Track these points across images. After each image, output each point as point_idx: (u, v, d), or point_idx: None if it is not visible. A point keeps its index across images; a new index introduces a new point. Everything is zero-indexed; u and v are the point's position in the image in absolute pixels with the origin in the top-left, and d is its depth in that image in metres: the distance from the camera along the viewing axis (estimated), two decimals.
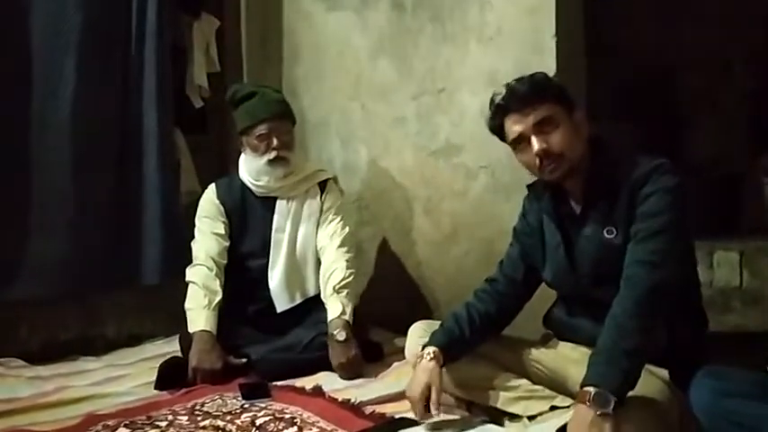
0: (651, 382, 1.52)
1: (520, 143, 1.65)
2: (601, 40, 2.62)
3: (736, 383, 1.33)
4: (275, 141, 2.34)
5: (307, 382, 2.04)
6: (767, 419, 1.26)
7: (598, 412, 1.36)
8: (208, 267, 2.32)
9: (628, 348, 1.43)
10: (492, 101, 1.69)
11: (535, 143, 1.60)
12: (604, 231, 1.62)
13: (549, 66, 2.20)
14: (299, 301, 2.40)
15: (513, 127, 1.64)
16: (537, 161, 1.61)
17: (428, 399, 1.68)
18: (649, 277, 1.49)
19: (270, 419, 1.77)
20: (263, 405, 1.89)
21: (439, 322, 1.87)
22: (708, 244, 2.27)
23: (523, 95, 1.62)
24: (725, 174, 2.89)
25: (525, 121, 1.61)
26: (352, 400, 1.88)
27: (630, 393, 1.43)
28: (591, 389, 1.39)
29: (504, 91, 1.67)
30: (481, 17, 2.40)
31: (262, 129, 2.34)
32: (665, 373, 1.57)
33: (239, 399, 1.94)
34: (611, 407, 1.36)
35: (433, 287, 2.66)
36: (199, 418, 1.78)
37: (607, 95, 2.59)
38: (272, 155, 2.34)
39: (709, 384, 1.33)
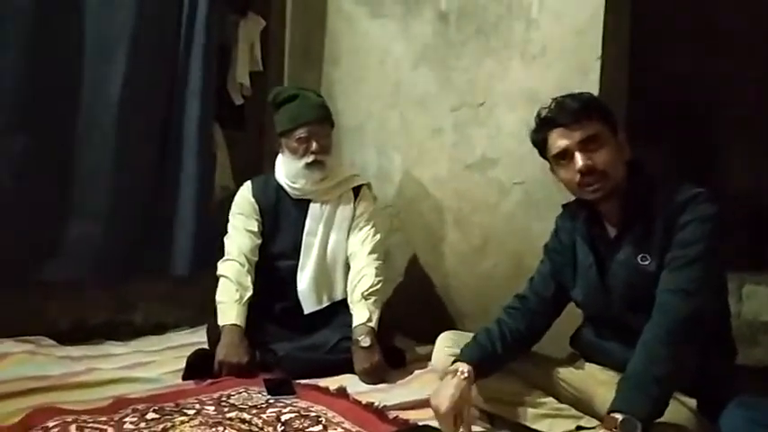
0: (679, 410, 1.53)
1: (563, 158, 1.65)
2: (644, 65, 2.62)
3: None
4: (314, 145, 2.37)
5: (331, 383, 2.06)
6: None
7: None
8: (240, 263, 2.36)
9: (658, 375, 1.43)
10: (539, 114, 1.70)
11: (579, 159, 1.61)
12: (638, 258, 1.63)
13: (591, 87, 2.20)
14: (326, 303, 2.43)
15: (559, 141, 1.65)
16: (578, 178, 1.62)
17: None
18: (684, 305, 1.50)
19: (295, 416, 1.79)
20: (288, 402, 1.91)
21: (467, 333, 1.88)
22: (738, 276, 2.26)
23: (573, 111, 1.63)
24: (758, 204, 2.87)
25: (572, 136, 1.62)
26: (376, 404, 1.89)
27: (657, 420, 1.44)
28: (618, 415, 1.39)
29: (550, 105, 1.68)
30: (527, 34, 2.42)
31: (302, 132, 2.37)
32: (693, 402, 1.58)
33: (264, 393, 1.97)
34: None
35: (459, 299, 2.68)
36: (225, 410, 1.81)
37: (647, 120, 2.59)
38: (311, 158, 2.37)
39: (743, 414, 1.34)
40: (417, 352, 2.47)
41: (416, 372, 2.25)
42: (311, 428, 1.72)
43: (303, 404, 1.89)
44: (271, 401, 1.91)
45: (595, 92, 2.20)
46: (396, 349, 2.38)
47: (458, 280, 2.69)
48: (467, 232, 2.66)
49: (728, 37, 3.09)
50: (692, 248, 1.54)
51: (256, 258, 2.42)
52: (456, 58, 2.66)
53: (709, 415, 1.49)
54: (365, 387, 2.10)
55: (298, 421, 1.76)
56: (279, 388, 1.99)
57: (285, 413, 1.81)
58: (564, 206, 1.86)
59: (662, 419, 1.44)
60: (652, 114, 2.80)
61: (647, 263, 1.62)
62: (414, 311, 2.73)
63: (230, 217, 2.48)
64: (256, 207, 2.46)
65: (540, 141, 1.72)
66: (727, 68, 3.05)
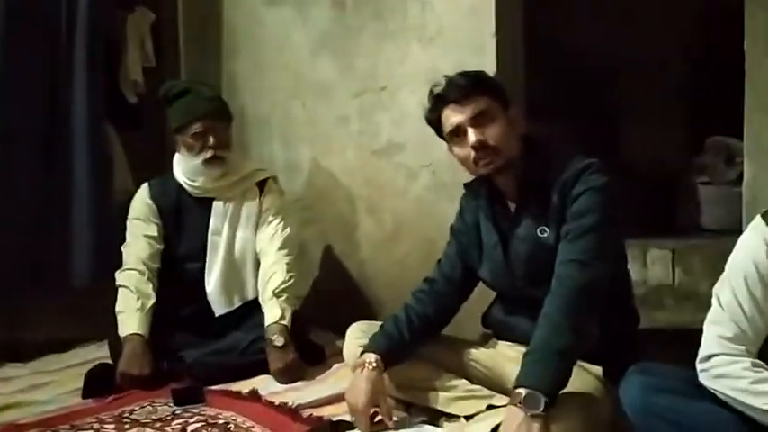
0: (584, 378, 1.54)
1: (457, 135, 1.65)
2: (540, 41, 2.64)
3: (665, 380, 1.34)
4: (211, 140, 2.27)
5: (243, 386, 2.00)
6: (695, 416, 1.28)
7: (529, 413, 1.36)
8: (139, 271, 2.25)
9: (560, 347, 1.44)
10: (431, 92, 1.69)
11: (471, 135, 1.61)
12: (538, 231, 1.64)
13: (488, 65, 2.21)
14: (237, 305, 2.34)
15: (452, 118, 1.64)
16: (472, 154, 1.62)
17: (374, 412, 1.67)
18: (580, 275, 1.50)
19: (202, 426, 1.72)
20: (195, 410, 1.84)
21: (377, 323, 1.85)
22: (642, 242, 2.31)
23: (463, 87, 1.63)
24: (660, 174, 2.96)
25: (463, 111, 1.62)
26: (290, 404, 1.84)
27: (564, 390, 1.44)
28: (522, 390, 1.39)
29: (443, 83, 1.67)
30: (422, 17, 2.40)
31: (197, 127, 2.27)
32: (598, 369, 1.59)
33: (171, 404, 1.88)
34: (542, 407, 1.37)
35: (376, 287, 2.64)
36: (126, 426, 1.72)
37: (546, 95, 2.61)
38: (209, 154, 2.28)
39: (639, 381, 1.34)
40: (338, 345, 2.41)
41: (335, 366, 2.20)
42: None
43: (212, 412, 1.82)
44: (177, 412, 1.83)
45: (492, 69, 2.20)
46: (313, 345, 2.32)
47: (374, 268, 2.66)
48: (379, 219, 2.63)
49: (625, 10, 3.16)
50: (586, 219, 1.55)
51: (157, 265, 2.31)
52: (355, 43, 2.62)
53: (614, 380, 1.50)
54: (280, 387, 2.03)
55: (205, 430, 1.69)
56: (187, 397, 1.91)
57: (192, 423, 1.74)
58: (466, 185, 1.85)
59: (568, 389, 1.45)
60: (552, 88, 2.84)
61: (545, 235, 1.63)
62: (332, 303, 2.68)
63: (127, 223, 2.36)
64: (155, 210, 2.35)
65: (434, 120, 1.71)
66: (624, 41, 3.11)
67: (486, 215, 1.74)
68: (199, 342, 2.22)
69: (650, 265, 2.29)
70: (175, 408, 1.86)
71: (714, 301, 1.37)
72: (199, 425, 1.72)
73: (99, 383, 2.01)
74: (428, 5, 2.39)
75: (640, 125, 3.15)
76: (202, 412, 1.82)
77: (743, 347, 1.30)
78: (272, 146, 2.94)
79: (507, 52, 2.27)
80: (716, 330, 1.33)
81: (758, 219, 1.35)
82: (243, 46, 3.02)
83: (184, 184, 2.35)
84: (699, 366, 1.33)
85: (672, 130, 3.20)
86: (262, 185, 2.43)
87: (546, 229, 1.62)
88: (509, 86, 2.23)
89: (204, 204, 2.36)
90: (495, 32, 2.22)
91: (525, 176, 1.66)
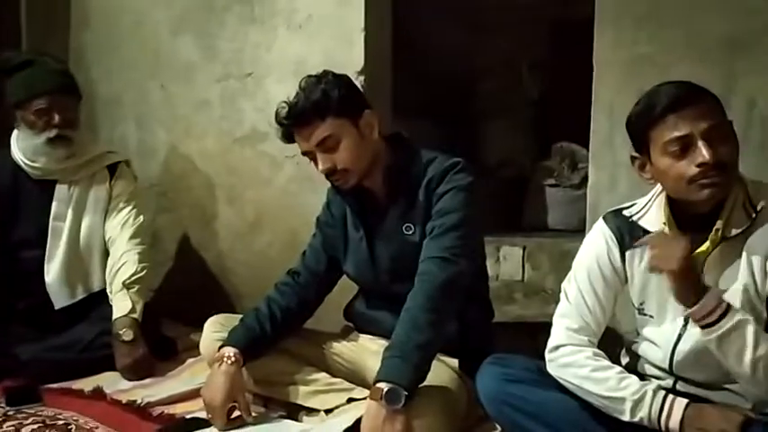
0: (442, 371, 1.58)
1: (310, 158, 1.65)
2: (408, 39, 2.69)
3: (517, 370, 1.41)
4: (57, 118, 2.10)
5: (86, 384, 1.87)
6: (544, 403, 1.36)
7: (391, 409, 1.38)
8: None
9: (420, 342, 1.46)
10: (277, 114, 1.65)
11: (320, 163, 1.61)
12: (403, 228, 1.66)
13: (356, 59, 2.22)
14: (81, 296, 2.19)
15: (300, 145, 1.64)
16: (324, 174, 1.63)
17: (231, 407, 1.63)
18: (442, 273, 1.54)
19: (39, 427, 1.58)
20: (31, 411, 1.70)
21: (236, 316, 1.80)
22: (495, 240, 2.42)
23: (303, 115, 1.59)
24: (511, 174, 3.12)
25: (308, 140, 1.61)
26: (138, 402, 1.75)
27: (422, 384, 1.47)
28: (383, 385, 1.41)
29: (284, 107, 1.62)
30: (291, 3, 2.35)
31: (41, 103, 2.09)
32: (455, 362, 1.64)
33: (3, 405, 1.73)
34: (402, 402, 1.39)
35: (236, 279, 2.58)
36: None
37: (411, 93, 2.66)
38: (53, 133, 2.10)
39: (493, 371, 1.41)
40: (192, 339, 2.31)
41: (189, 360, 2.12)
42: None
43: (50, 412, 1.69)
44: (10, 413, 1.68)
45: (360, 63, 2.21)
46: (164, 339, 2.22)
47: (233, 259, 2.58)
48: (240, 209, 2.55)
49: (483, 17, 3.29)
50: (450, 217, 1.58)
51: None
52: (219, 25, 2.51)
53: (469, 373, 1.56)
54: (128, 384, 1.93)
55: None
56: (21, 397, 1.76)
57: (27, 425, 1.61)
58: None
59: (426, 381, 1.48)
60: (415, 88, 2.90)
61: (411, 233, 1.65)
62: (189, 296, 2.57)
63: None
64: None
65: (288, 139, 1.67)
66: (482, 47, 3.25)
67: (352, 209, 1.74)
68: (36, 337, 2.05)
69: (503, 262, 2.41)
70: (8, 408, 1.71)
71: (562, 295, 1.46)
72: (35, 426, 1.59)
73: None
74: None
75: (495, 127, 3.30)
76: (39, 413, 1.68)
77: (586, 338, 1.40)
78: (125, 127, 2.77)
79: (375, 48, 2.28)
80: (563, 323, 1.42)
81: (601, 220, 1.46)
82: (94, 17, 2.81)
83: (23, 164, 2.16)
84: (547, 356, 1.41)
85: (523, 134, 3.38)
86: (113, 169, 2.28)
87: (411, 226, 1.64)
88: (376, 82, 2.26)
89: (45, 187, 2.18)
90: (363, 26, 2.22)
91: (391, 174, 1.67)
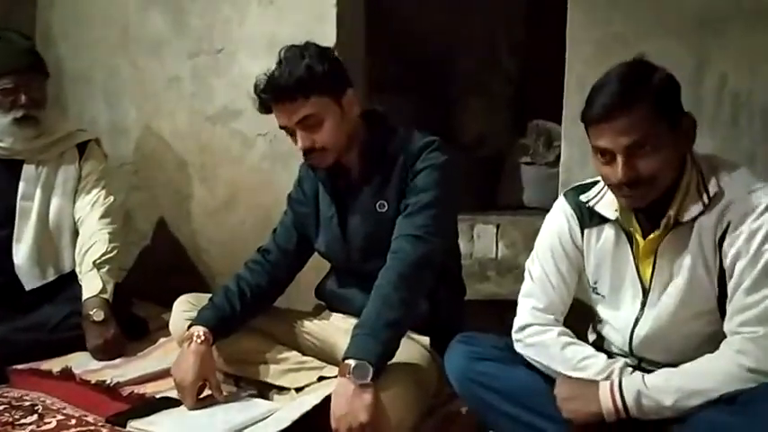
0: (412, 348, 1.58)
1: (287, 132, 1.61)
2: (382, 16, 2.66)
3: (486, 349, 1.42)
4: (23, 98, 2.06)
5: (55, 365, 1.85)
6: (512, 381, 1.37)
7: (358, 384, 1.38)
8: None
9: (390, 319, 1.46)
10: (256, 86, 1.59)
11: (300, 140, 1.57)
12: (377, 205, 1.64)
13: (329, 35, 2.18)
14: (52, 277, 2.16)
15: (279, 119, 1.59)
16: (302, 152, 1.60)
17: (201, 386, 1.62)
18: (415, 251, 1.53)
19: (5, 408, 1.56)
20: None
21: (206, 295, 1.79)
22: (470, 218, 2.42)
23: (287, 90, 1.53)
24: (487, 153, 3.11)
25: (289, 117, 1.56)
26: (108, 382, 1.73)
27: (393, 360, 1.47)
28: (351, 361, 1.40)
29: (265, 80, 1.56)
30: None
31: (6, 82, 2.05)
32: (426, 339, 1.64)
33: None
34: (370, 377, 1.39)
35: (209, 258, 2.55)
36: None
37: (386, 70, 2.64)
38: (19, 113, 2.07)
39: (462, 350, 1.41)
40: (164, 319, 2.29)
41: (161, 340, 2.11)
42: (24, 420, 1.51)
43: (16, 393, 1.67)
44: None
45: (332, 39, 2.18)
46: (135, 319, 2.20)
47: (206, 238, 2.56)
48: (213, 187, 2.53)
49: None
50: (424, 195, 1.57)
51: None
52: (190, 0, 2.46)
53: (440, 350, 1.56)
54: (97, 364, 1.91)
55: (7, 414, 1.54)
56: None
57: None
58: None
59: (396, 359, 1.48)
60: (389, 65, 2.88)
61: (384, 210, 1.64)
62: (160, 275, 2.56)
63: None
64: None
65: (265, 112, 1.63)
66: (458, 25, 3.22)
67: (325, 186, 1.72)
68: (5, 317, 2.01)
69: (476, 240, 2.41)
70: None
71: (527, 275, 1.47)
72: (0, 408, 1.57)
73: None
74: None
75: (471, 105, 3.28)
76: (5, 394, 1.66)
77: (552, 317, 1.41)
78: (95, 105, 2.72)
79: (347, 24, 2.25)
80: (529, 303, 1.42)
81: (561, 197, 1.46)
82: None
83: None
84: (514, 336, 1.42)
85: (500, 112, 3.36)
86: (82, 148, 2.24)
87: (385, 203, 1.63)
88: (348, 59, 2.23)
89: (12, 167, 2.14)
90: (336, 2, 2.18)
91: (367, 151, 1.65)
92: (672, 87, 1.25)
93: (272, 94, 1.55)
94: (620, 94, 1.21)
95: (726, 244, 1.23)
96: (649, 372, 1.28)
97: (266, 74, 1.57)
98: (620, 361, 1.33)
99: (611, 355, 1.43)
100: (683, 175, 1.27)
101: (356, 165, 1.67)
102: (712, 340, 1.25)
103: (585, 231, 1.40)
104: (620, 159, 1.22)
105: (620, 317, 1.38)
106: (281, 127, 1.61)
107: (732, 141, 1.80)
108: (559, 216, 1.44)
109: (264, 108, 1.61)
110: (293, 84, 1.52)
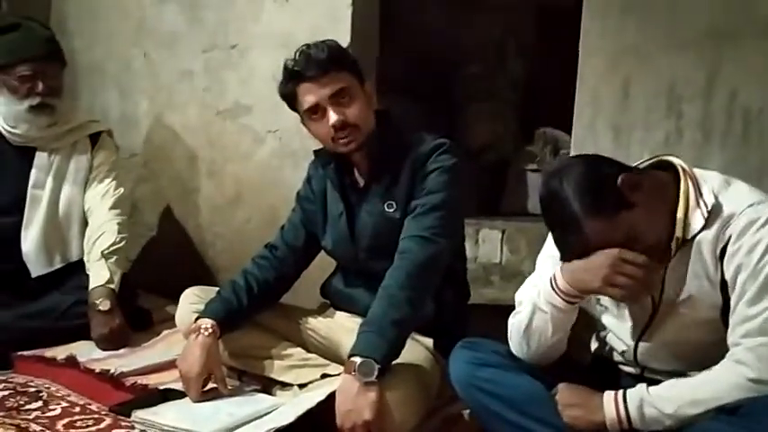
0: (416, 349, 1.60)
1: (315, 113, 1.60)
2: (395, 18, 2.68)
3: (489, 354, 1.43)
4: (40, 86, 2.07)
5: (59, 352, 1.86)
6: (513, 388, 1.37)
7: (363, 381, 1.39)
8: None
9: (396, 319, 1.47)
10: (285, 66, 1.61)
11: (332, 114, 1.57)
12: (385, 205, 1.65)
13: (343, 35, 2.19)
14: (59, 265, 2.16)
15: (308, 96, 1.58)
16: (332, 132, 1.58)
17: (206, 378, 1.62)
18: (422, 251, 1.54)
19: (10, 393, 1.57)
20: (2, 378, 1.68)
21: (213, 288, 1.80)
22: (475, 222, 2.44)
23: (321, 62, 1.56)
24: (493, 159, 3.13)
25: (322, 91, 1.57)
26: (112, 371, 1.74)
27: (396, 360, 1.48)
28: (357, 358, 1.41)
29: (297, 56, 1.60)
30: None
31: (24, 69, 2.05)
32: (429, 341, 1.66)
33: None
34: (375, 375, 1.40)
35: (214, 252, 2.56)
36: None
37: (395, 73, 2.65)
38: (36, 101, 2.08)
39: (465, 355, 1.42)
40: (168, 311, 2.31)
41: (164, 332, 2.11)
42: (29, 406, 1.52)
43: (21, 379, 1.68)
44: None
45: (347, 39, 2.19)
46: (140, 310, 2.21)
47: (212, 232, 2.57)
48: (220, 183, 2.54)
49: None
50: (433, 197, 1.59)
51: None
52: None
53: (444, 352, 1.57)
54: (102, 354, 1.91)
55: (12, 399, 1.55)
56: None
57: None
58: (316, 153, 1.82)
59: (400, 359, 1.49)
60: (400, 67, 2.89)
61: (392, 210, 1.65)
62: (166, 268, 2.55)
63: None
64: None
65: (289, 95, 1.64)
66: (467, 29, 3.23)
67: (333, 185, 1.73)
68: (11, 303, 2.02)
69: (481, 244, 2.42)
70: None
71: (529, 285, 1.47)
72: (6, 393, 1.58)
73: None
74: None
75: (478, 111, 3.29)
76: (10, 379, 1.67)
77: None
78: (107, 96, 2.73)
79: (362, 24, 2.26)
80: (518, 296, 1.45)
81: None
82: None
83: (2, 130, 2.13)
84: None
85: (506, 118, 3.38)
86: (94, 139, 2.26)
87: (393, 204, 1.64)
88: (362, 59, 2.24)
89: (25, 154, 2.16)
90: (351, 2, 2.20)
91: (377, 151, 1.66)
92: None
93: (307, 66, 1.56)
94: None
95: (727, 257, 1.24)
96: (651, 380, 1.29)
97: (301, 51, 1.58)
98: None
99: (613, 363, 1.45)
100: (680, 185, 1.27)
101: (365, 163, 1.68)
102: (717, 350, 1.26)
103: None
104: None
105: (625, 327, 1.39)
106: (309, 109, 1.59)
107: (742, 156, 1.81)
108: None
109: (289, 91, 1.61)
110: (328, 56, 1.56)
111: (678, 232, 1.26)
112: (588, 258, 1.25)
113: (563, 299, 1.31)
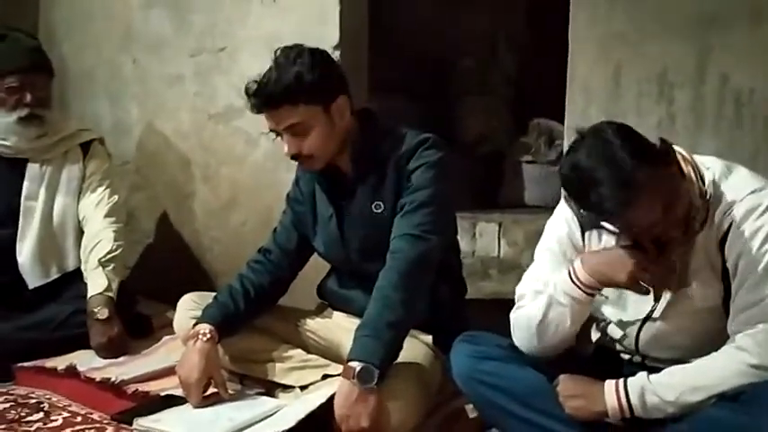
0: (415, 347, 1.59)
1: (277, 134, 1.60)
2: (384, 16, 2.67)
3: (490, 348, 1.42)
4: (29, 97, 2.06)
5: (59, 362, 1.85)
6: (515, 380, 1.37)
7: (363, 388, 1.39)
8: None
9: (392, 320, 1.46)
10: (247, 89, 1.59)
11: (286, 146, 1.58)
12: (373, 206, 1.64)
13: (332, 36, 2.19)
14: (55, 275, 2.16)
15: (267, 121, 1.59)
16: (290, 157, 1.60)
17: (206, 383, 1.62)
18: (413, 250, 1.53)
19: (11, 405, 1.57)
20: (3, 390, 1.68)
21: (210, 294, 1.80)
22: (471, 216, 2.43)
23: (275, 98, 1.53)
24: (488, 151, 3.12)
25: (276, 123, 1.56)
26: (113, 380, 1.74)
27: (396, 360, 1.48)
28: (356, 364, 1.41)
29: (255, 85, 1.56)
30: None
31: (12, 81, 2.05)
32: (428, 338, 1.65)
33: None
34: (375, 381, 1.39)
35: (211, 257, 2.56)
36: None
37: (387, 70, 2.65)
38: (24, 112, 2.07)
39: (466, 349, 1.42)
40: (167, 317, 2.30)
41: (164, 338, 2.11)
42: (30, 417, 1.52)
43: (22, 391, 1.68)
44: None
45: (335, 38, 2.19)
46: (139, 317, 2.20)
47: (208, 237, 2.56)
48: (215, 186, 2.53)
49: None
50: (420, 193, 1.57)
51: None
52: None
53: (443, 348, 1.57)
54: (102, 362, 1.91)
55: (14, 411, 1.54)
56: None
57: None
58: None
59: (399, 357, 1.49)
60: (394, 63, 2.88)
61: (380, 210, 1.63)
62: (165, 273, 2.55)
63: None
64: None
65: (258, 111, 1.61)
66: (459, 25, 3.23)
67: (321, 187, 1.72)
68: (8, 315, 2.02)
69: (478, 238, 2.42)
70: None
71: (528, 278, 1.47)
72: (7, 405, 1.57)
73: None
74: None
75: (471, 104, 3.29)
76: (11, 391, 1.67)
77: None
78: (97, 104, 2.72)
79: (350, 24, 2.25)
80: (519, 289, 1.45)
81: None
82: None
83: None
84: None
85: (500, 111, 3.37)
86: (86, 147, 2.25)
87: (381, 204, 1.62)
88: (351, 59, 2.24)
89: (16, 166, 2.15)
90: (339, 1, 2.19)
91: (361, 151, 1.64)
92: None
93: (259, 100, 1.55)
94: None
95: (728, 244, 1.24)
96: (653, 368, 1.29)
97: (256, 78, 1.56)
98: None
99: (615, 352, 1.45)
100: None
101: (349, 166, 1.67)
102: (718, 338, 1.26)
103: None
104: None
105: (626, 316, 1.38)
106: (271, 130, 1.61)
107: (734, 141, 1.81)
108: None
109: (257, 109, 1.61)
110: (281, 91, 1.52)
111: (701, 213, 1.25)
112: (608, 252, 1.30)
113: (583, 291, 1.32)
